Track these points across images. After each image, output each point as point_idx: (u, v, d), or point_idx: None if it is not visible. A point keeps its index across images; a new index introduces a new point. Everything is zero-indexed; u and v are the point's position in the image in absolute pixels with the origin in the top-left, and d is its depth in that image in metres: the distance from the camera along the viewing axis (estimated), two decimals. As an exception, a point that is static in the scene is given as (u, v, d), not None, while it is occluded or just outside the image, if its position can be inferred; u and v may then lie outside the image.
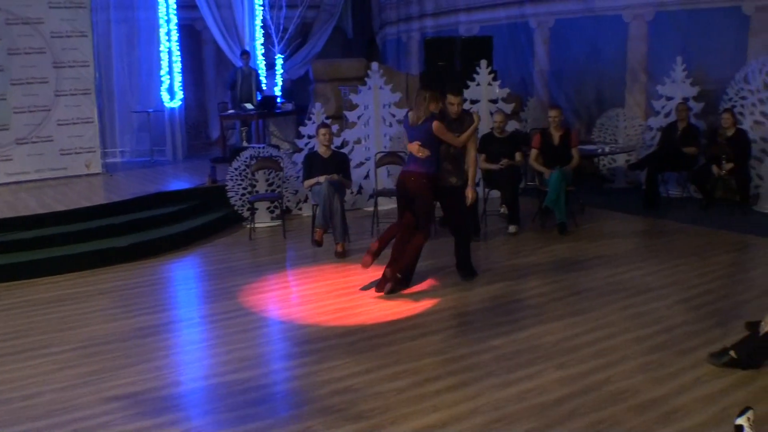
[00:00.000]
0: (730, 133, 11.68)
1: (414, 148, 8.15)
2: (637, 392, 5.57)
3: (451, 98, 8.42)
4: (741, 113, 12.26)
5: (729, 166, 11.55)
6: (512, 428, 5.07)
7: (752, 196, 12.03)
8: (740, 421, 4.66)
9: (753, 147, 11.86)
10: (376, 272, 8.49)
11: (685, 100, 12.91)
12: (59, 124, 13.57)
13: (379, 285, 8.30)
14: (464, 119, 8.51)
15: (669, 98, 13.36)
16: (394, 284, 8.28)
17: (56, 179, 13.37)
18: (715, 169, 11.72)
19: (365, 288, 8.42)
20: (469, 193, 8.50)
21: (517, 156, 11.10)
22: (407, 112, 8.61)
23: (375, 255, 8.31)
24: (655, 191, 12.43)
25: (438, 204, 8.83)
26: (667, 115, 13.37)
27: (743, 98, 12.37)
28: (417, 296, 8.15)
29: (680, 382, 5.74)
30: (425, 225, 8.39)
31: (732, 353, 5.96)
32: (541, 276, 8.81)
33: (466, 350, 6.53)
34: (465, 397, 5.56)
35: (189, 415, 5.44)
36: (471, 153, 8.53)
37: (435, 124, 8.08)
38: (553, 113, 11.23)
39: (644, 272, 8.86)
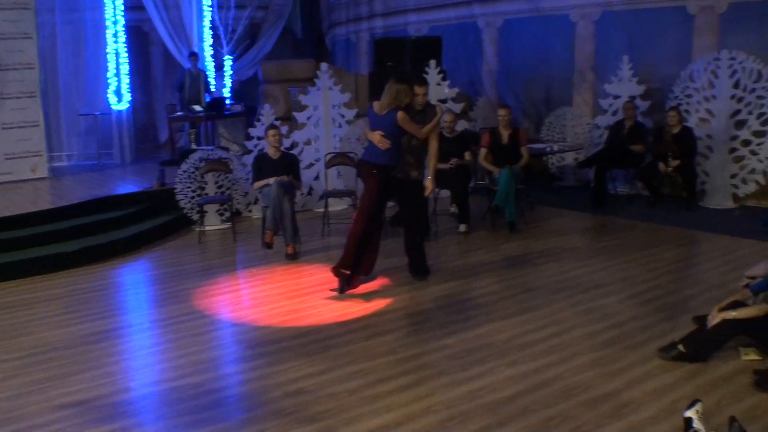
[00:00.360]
0: (676, 130, 11.83)
1: (375, 137, 8.13)
2: (588, 387, 5.62)
3: (417, 88, 8.42)
4: (687, 111, 12.43)
5: (675, 163, 11.70)
6: (465, 426, 5.08)
7: (698, 193, 12.23)
8: (689, 413, 4.72)
9: (699, 144, 12.03)
10: (328, 273, 8.47)
11: (632, 98, 13.06)
12: (4, 128, 13.35)
13: (350, 283, 8.32)
14: (427, 111, 8.57)
15: (616, 97, 13.51)
16: (343, 283, 8.29)
17: (1, 184, 13.15)
18: (661, 166, 11.86)
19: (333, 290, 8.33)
20: (429, 184, 8.56)
21: (467, 155, 11.15)
22: (372, 102, 8.59)
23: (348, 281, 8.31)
24: (603, 189, 12.56)
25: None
26: (614, 113, 13.52)
27: (689, 96, 12.53)
28: (369, 296, 8.14)
29: (630, 376, 5.81)
30: (360, 215, 8.28)
31: (680, 347, 6.04)
32: (492, 274, 8.86)
33: (418, 350, 6.54)
34: (418, 397, 5.57)
35: (141, 421, 5.38)
36: (433, 145, 8.56)
37: (400, 114, 8.06)
38: (502, 112, 11.30)
39: (593, 269, 8.94)
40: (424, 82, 8.71)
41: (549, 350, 6.42)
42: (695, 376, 5.77)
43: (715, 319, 6.05)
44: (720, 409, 5.16)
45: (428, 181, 8.55)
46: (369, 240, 8.30)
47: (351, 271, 8.28)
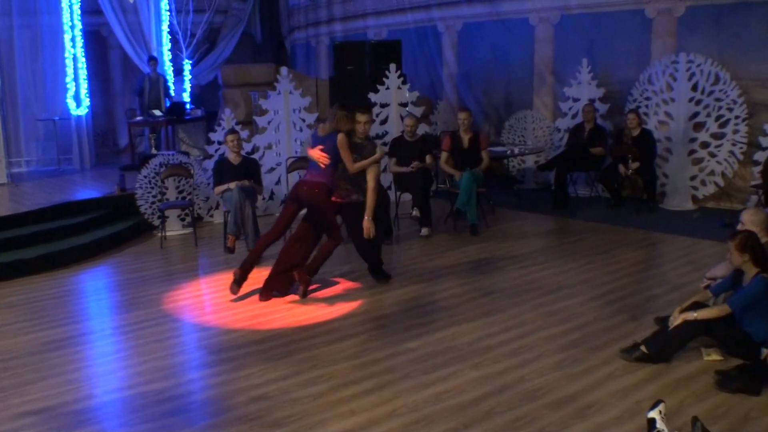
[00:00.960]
0: (635, 133, 11.93)
1: (315, 153, 8.12)
2: (552, 389, 5.65)
3: (359, 116, 8.39)
4: (646, 114, 12.53)
5: (635, 165, 11.80)
6: (430, 429, 5.09)
7: (658, 195, 12.33)
8: (652, 414, 4.76)
9: (658, 146, 12.13)
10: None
11: (591, 101, 13.15)
12: (-39, 134, 13.21)
13: (263, 293, 8.31)
14: (366, 147, 8.50)
15: (575, 100, 13.60)
16: (305, 287, 8.33)
17: (-41, 190, 13.02)
18: (621, 168, 11.95)
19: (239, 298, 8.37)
20: (366, 225, 8.34)
21: (428, 159, 11.15)
22: (318, 124, 8.59)
23: (241, 281, 8.33)
24: (564, 191, 12.63)
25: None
26: (574, 116, 13.60)
27: (647, 99, 12.64)
28: (332, 300, 8.14)
29: (594, 377, 5.85)
30: (334, 233, 8.39)
31: (643, 348, 6.10)
32: (454, 277, 8.87)
33: (381, 353, 6.54)
34: (382, 400, 5.57)
35: (104, 428, 5.34)
36: (370, 184, 8.40)
37: (340, 136, 8.08)
38: (462, 116, 11.33)
39: (555, 271, 8.99)
40: (367, 110, 8.62)
41: (512, 353, 6.45)
42: (658, 377, 5.82)
43: (676, 320, 6.12)
44: (683, 410, 5.21)
45: (366, 222, 8.34)
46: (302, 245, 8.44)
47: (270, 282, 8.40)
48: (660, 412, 4.76)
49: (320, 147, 8.12)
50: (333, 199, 8.40)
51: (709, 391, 5.56)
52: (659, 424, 4.70)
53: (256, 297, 8.31)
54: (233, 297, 8.27)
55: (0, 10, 14.86)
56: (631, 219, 11.50)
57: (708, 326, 6.03)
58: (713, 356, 6.14)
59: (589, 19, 13.84)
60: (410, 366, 6.24)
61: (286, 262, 8.38)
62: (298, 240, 8.47)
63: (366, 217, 8.33)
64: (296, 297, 8.21)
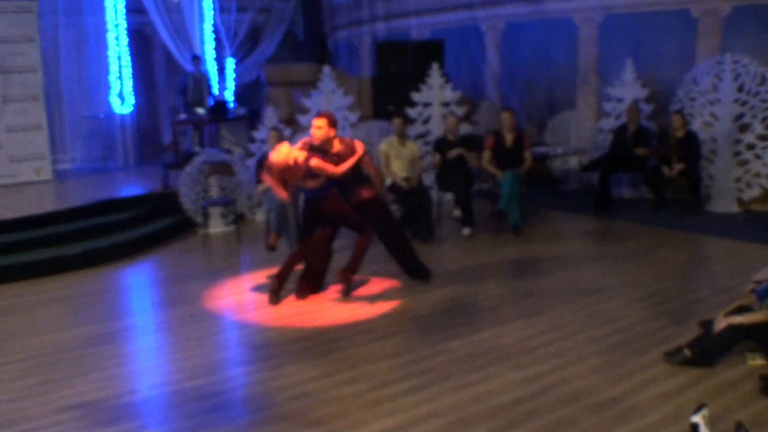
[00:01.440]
0: (680, 134, 11.80)
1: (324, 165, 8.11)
2: (593, 392, 5.60)
3: (314, 121, 8.20)
4: (690, 114, 12.39)
5: (680, 166, 11.68)
6: (470, 430, 5.07)
7: (703, 196, 12.17)
8: (695, 418, 4.71)
9: (703, 148, 11.99)
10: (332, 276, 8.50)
11: (636, 101, 13.01)
12: (8, 131, 13.38)
13: (298, 293, 8.35)
14: (344, 151, 8.30)
15: (620, 100, 13.47)
16: (347, 286, 8.37)
17: (5, 186, 13.16)
18: (666, 169, 11.84)
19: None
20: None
21: (472, 158, 11.10)
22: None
23: (278, 292, 8.30)
24: (607, 192, 12.52)
25: None
26: (617, 116, 13.48)
27: (692, 100, 12.50)
28: (373, 299, 8.13)
29: (636, 381, 5.79)
30: (364, 229, 8.41)
31: (686, 352, 6.02)
32: (495, 278, 8.84)
33: (422, 353, 6.53)
34: (422, 400, 5.56)
35: (145, 424, 5.38)
36: (370, 170, 8.46)
37: (312, 161, 7.98)
38: (505, 116, 11.27)
39: (598, 273, 8.92)
40: (318, 116, 8.25)
41: (553, 354, 6.40)
42: (701, 381, 5.75)
43: (721, 323, 6.03)
44: (726, 415, 5.13)
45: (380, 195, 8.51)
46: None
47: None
48: (703, 416, 4.71)
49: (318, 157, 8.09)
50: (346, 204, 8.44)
51: (753, 397, 5.48)
52: (702, 429, 4.65)
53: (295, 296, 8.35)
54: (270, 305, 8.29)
55: (46, 9, 15.01)
56: (675, 221, 11.37)
57: (752, 330, 5.95)
58: (758, 361, 6.05)
59: (633, 18, 13.73)
60: (450, 366, 6.22)
61: (311, 271, 8.45)
62: (318, 252, 8.47)
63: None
64: (337, 295, 8.23)
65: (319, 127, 8.04)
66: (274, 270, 8.51)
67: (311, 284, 8.44)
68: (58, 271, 9.54)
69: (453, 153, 10.93)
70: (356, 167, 8.29)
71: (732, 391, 5.58)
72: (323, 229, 8.40)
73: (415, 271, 8.85)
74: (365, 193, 8.56)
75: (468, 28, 16.89)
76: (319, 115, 8.23)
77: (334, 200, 8.23)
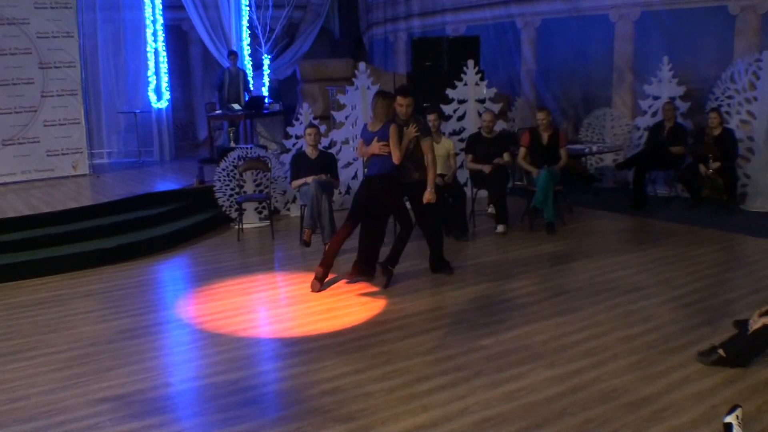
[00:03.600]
0: (716, 132, 11.71)
1: (375, 147, 8.28)
2: (626, 391, 5.57)
3: (399, 99, 8.42)
4: (727, 112, 12.30)
5: (716, 165, 11.59)
6: (502, 428, 5.06)
7: (739, 195, 12.08)
8: (729, 419, 4.67)
9: (739, 146, 11.89)
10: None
11: (672, 99, 12.94)
12: (46, 125, 13.51)
13: (350, 275, 8.70)
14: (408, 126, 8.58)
15: (656, 98, 13.39)
16: (388, 279, 8.56)
17: (43, 180, 13.32)
18: (702, 168, 11.76)
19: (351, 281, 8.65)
20: (427, 196, 8.45)
21: (505, 156, 11.09)
22: (365, 124, 8.73)
23: (323, 278, 8.50)
24: (642, 190, 12.46)
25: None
26: (653, 114, 13.41)
27: (729, 98, 12.41)
28: (405, 296, 8.13)
29: (669, 380, 5.75)
30: (405, 221, 8.53)
31: (720, 351, 5.97)
32: (529, 276, 8.81)
33: (455, 350, 6.52)
34: (455, 397, 5.55)
35: (178, 417, 5.42)
36: (428, 156, 8.55)
37: (392, 127, 8.22)
38: (541, 115, 11.24)
39: (632, 271, 8.87)
40: (407, 93, 8.57)
41: (587, 353, 6.38)
42: (735, 381, 5.70)
43: (756, 323, 5.98)
44: (761, 415, 5.10)
45: (427, 193, 8.45)
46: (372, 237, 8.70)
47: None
48: (737, 417, 4.67)
49: (377, 140, 8.26)
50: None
51: (788, 397, 5.44)
52: (736, 429, 4.61)
53: (330, 290, 8.39)
54: (311, 291, 8.36)
55: (84, 5, 15.17)
56: (710, 220, 11.29)
57: (788, 331, 5.90)
58: (793, 361, 6.01)
59: (669, 15, 13.64)
60: (483, 363, 6.21)
61: (363, 256, 8.68)
62: (368, 236, 8.67)
63: (428, 189, 8.44)
64: (370, 290, 8.28)
65: (409, 105, 8.42)
66: (307, 266, 8.54)
67: (364, 269, 8.67)
68: (94, 264, 9.64)
69: (486, 168, 10.94)
70: (415, 149, 8.53)
71: (766, 392, 5.52)
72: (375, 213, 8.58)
73: (437, 267, 8.98)
74: (417, 176, 8.64)
75: (503, 24, 16.87)
76: (407, 92, 8.54)
77: (387, 183, 8.39)
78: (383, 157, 8.29)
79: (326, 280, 8.55)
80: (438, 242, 8.98)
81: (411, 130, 8.40)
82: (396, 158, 8.25)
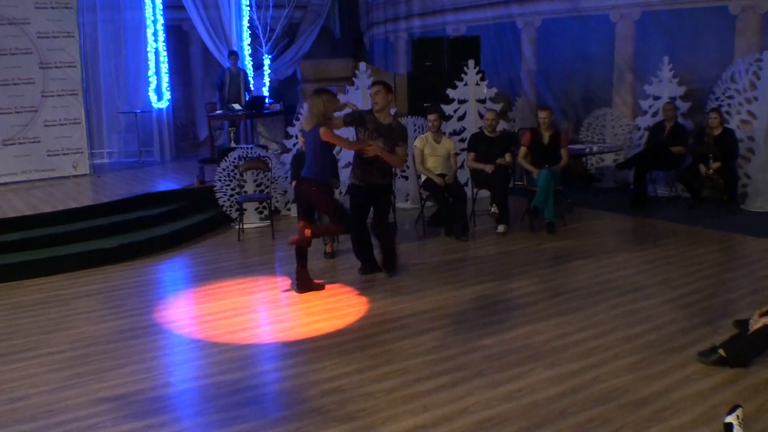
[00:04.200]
0: (717, 132, 11.71)
1: (377, 148, 8.45)
2: (627, 391, 5.57)
3: (373, 87, 8.76)
4: (728, 112, 12.30)
5: (716, 165, 11.59)
6: (503, 428, 5.06)
7: (739, 195, 12.08)
8: (729, 419, 4.67)
9: (740, 146, 11.89)
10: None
11: (672, 99, 12.94)
12: (46, 125, 13.51)
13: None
14: (395, 129, 8.78)
15: (656, 98, 13.39)
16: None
17: (43, 180, 13.33)
18: (702, 168, 11.76)
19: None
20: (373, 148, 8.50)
21: (507, 157, 11.08)
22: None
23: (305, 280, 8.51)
24: (643, 190, 12.47)
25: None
26: (654, 114, 13.41)
27: (730, 98, 12.41)
28: (405, 296, 8.14)
29: (670, 380, 5.75)
30: (342, 220, 8.46)
31: (721, 351, 5.97)
32: (530, 275, 8.81)
33: (455, 350, 6.52)
34: (455, 397, 5.55)
35: (179, 417, 5.42)
36: (388, 158, 8.62)
37: (321, 129, 8.01)
38: (542, 114, 11.24)
39: (632, 271, 8.88)
40: (379, 83, 8.71)
41: (587, 353, 6.38)
42: (736, 381, 5.70)
43: (756, 323, 5.99)
44: (761, 415, 5.10)
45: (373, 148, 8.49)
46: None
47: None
48: (737, 417, 4.67)
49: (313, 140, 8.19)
50: (357, 182, 8.75)
51: (789, 397, 5.44)
52: (736, 429, 4.61)
53: (330, 291, 8.41)
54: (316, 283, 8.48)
55: (84, 5, 15.17)
56: (711, 220, 11.29)
57: (789, 331, 5.90)
58: (794, 361, 6.01)
59: (670, 15, 13.64)
60: (484, 363, 6.21)
61: (360, 253, 9.02)
62: (357, 233, 8.96)
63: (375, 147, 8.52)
64: (370, 290, 8.30)
65: (378, 93, 8.67)
66: (307, 265, 8.54)
67: (367, 265, 8.92)
68: (94, 264, 9.65)
69: (488, 168, 10.92)
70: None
71: (767, 392, 5.52)
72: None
73: (388, 263, 9.03)
74: (380, 180, 8.76)
75: (504, 24, 16.87)
76: (378, 83, 8.76)
77: (315, 189, 8.26)
78: (317, 160, 8.17)
79: (320, 281, 8.59)
80: (392, 242, 9.10)
81: (375, 148, 8.44)
82: (347, 147, 8.68)
